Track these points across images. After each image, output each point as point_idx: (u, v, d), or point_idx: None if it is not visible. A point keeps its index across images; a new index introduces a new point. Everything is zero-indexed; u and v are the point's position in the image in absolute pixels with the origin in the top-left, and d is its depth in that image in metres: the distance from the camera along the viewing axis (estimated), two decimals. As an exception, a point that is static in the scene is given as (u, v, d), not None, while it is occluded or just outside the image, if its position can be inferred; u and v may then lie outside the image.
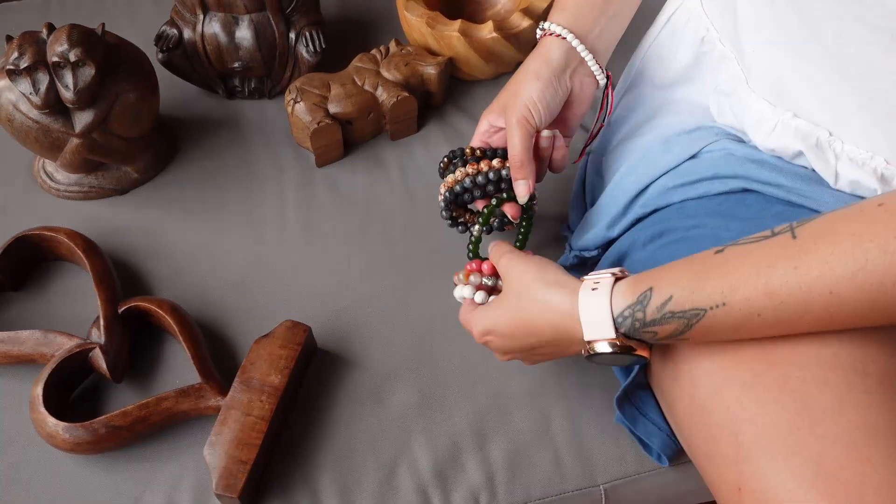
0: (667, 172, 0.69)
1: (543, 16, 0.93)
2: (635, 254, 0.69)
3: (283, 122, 0.94)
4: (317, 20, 0.93)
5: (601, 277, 0.57)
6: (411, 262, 0.83)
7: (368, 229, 0.86)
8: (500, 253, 0.66)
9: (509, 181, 0.72)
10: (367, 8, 1.07)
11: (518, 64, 0.98)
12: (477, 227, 0.72)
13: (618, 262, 0.71)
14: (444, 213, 0.75)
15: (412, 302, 0.80)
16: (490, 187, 0.72)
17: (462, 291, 0.68)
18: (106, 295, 0.73)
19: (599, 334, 0.56)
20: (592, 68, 0.72)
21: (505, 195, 0.72)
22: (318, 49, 0.92)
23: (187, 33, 0.91)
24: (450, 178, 0.74)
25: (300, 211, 0.87)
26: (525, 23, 0.92)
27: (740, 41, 0.65)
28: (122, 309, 0.73)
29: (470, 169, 0.72)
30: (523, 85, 0.70)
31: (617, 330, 0.55)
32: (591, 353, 0.57)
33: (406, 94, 0.88)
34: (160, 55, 0.91)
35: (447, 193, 0.73)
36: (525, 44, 0.94)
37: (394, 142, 0.93)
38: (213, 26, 0.91)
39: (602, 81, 0.73)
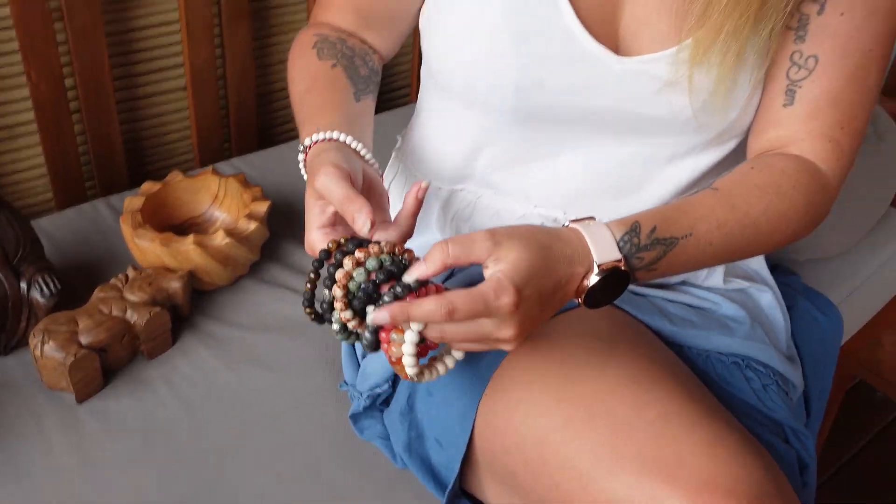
0: None
1: (265, 217, 1.04)
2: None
3: (28, 372, 0.91)
4: (45, 266, 0.94)
5: (582, 219, 0.64)
6: (202, 468, 0.83)
7: (152, 448, 0.85)
8: (464, 238, 0.59)
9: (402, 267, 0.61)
10: (91, 249, 1.09)
11: (251, 264, 1.06)
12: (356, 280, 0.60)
13: (413, 385, 0.78)
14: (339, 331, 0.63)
15: None
16: (393, 269, 0.61)
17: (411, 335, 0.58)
18: None
19: (608, 256, 0.62)
20: (365, 155, 0.71)
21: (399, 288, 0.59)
22: (53, 291, 0.92)
23: None
24: (340, 277, 0.61)
25: (72, 452, 0.83)
26: (252, 225, 1.01)
27: (487, 177, 0.83)
28: None
29: (359, 255, 0.61)
30: (320, 159, 0.66)
31: (620, 251, 0.63)
32: (588, 289, 0.61)
33: (158, 308, 0.91)
34: None
35: (353, 301, 0.61)
36: (255, 244, 1.03)
37: (151, 360, 0.94)
38: (-70, 295, 0.87)
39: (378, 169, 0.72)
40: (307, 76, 0.79)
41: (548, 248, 0.60)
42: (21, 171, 1.21)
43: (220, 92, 1.34)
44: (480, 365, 0.74)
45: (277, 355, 0.96)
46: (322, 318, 0.66)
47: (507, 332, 0.59)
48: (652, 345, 0.75)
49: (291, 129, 1.53)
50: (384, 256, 0.61)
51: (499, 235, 0.59)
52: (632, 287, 0.83)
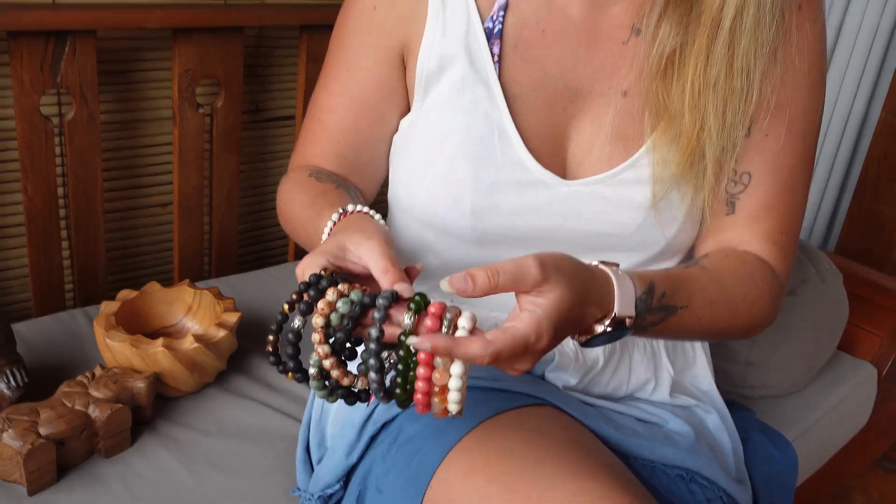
0: None
1: (234, 327, 1.08)
2: (377, 468, 0.79)
3: (-18, 463, 0.91)
4: (16, 359, 0.96)
5: (610, 263, 0.68)
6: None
7: (98, 541, 0.84)
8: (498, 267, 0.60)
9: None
10: (62, 353, 1.12)
11: (218, 372, 1.09)
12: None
13: (363, 482, 0.79)
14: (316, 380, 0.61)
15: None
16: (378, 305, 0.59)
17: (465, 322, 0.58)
18: None
19: (625, 311, 0.66)
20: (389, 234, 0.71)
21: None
22: (19, 384, 0.94)
23: None
24: (318, 315, 0.59)
25: (17, 542, 0.83)
26: (221, 333, 1.05)
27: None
28: None
29: (331, 295, 0.60)
30: (359, 224, 0.68)
31: (635, 308, 0.66)
32: (595, 334, 0.65)
33: (120, 405, 0.93)
34: None
35: (337, 335, 0.60)
36: (223, 352, 1.06)
37: (108, 458, 0.94)
38: None
39: None
40: (313, 191, 0.81)
41: (586, 288, 0.63)
42: (2, 274, 1.26)
43: (205, 217, 1.41)
44: (427, 459, 0.76)
45: (236, 460, 0.97)
46: (283, 365, 0.63)
47: (524, 365, 0.61)
48: (595, 445, 0.78)
49: (269, 258, 1.60)
50: (364, 296, 0.60)
51: (548, 269, 0.60)
52: (581, 397, 0.87)
